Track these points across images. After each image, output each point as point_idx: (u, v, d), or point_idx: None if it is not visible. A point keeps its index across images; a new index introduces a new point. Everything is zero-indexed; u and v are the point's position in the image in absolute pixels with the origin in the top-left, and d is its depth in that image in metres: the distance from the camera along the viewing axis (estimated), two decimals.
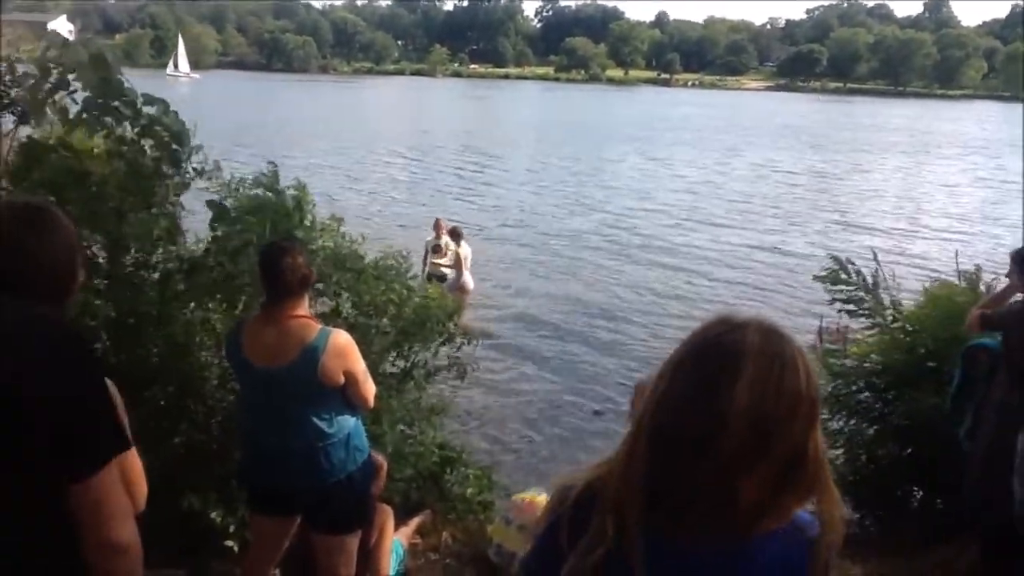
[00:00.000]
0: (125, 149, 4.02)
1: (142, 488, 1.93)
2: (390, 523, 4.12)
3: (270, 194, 4.41)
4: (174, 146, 4.04)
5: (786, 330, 1.32)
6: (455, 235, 11.89)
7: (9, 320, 1.47)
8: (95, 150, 4.15)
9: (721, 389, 1.23)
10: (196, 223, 4.43)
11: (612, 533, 1.29)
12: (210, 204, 4.20)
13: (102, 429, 1.55)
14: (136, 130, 3.99)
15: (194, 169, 4.20)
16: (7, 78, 4.23)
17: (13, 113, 4.30)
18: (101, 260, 4.10)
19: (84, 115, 3.95)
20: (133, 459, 1.83)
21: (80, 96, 4.05)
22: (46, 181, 3.90)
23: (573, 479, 1.41)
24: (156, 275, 4.18)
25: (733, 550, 1.29)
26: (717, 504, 1.25)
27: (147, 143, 4.03)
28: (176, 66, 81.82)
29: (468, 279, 11.81)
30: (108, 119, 3.96)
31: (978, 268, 5.47)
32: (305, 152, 29.55)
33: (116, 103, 3.92)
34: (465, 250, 11.85)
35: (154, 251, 4.19)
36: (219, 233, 4.21)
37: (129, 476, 1.71)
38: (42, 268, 1.72)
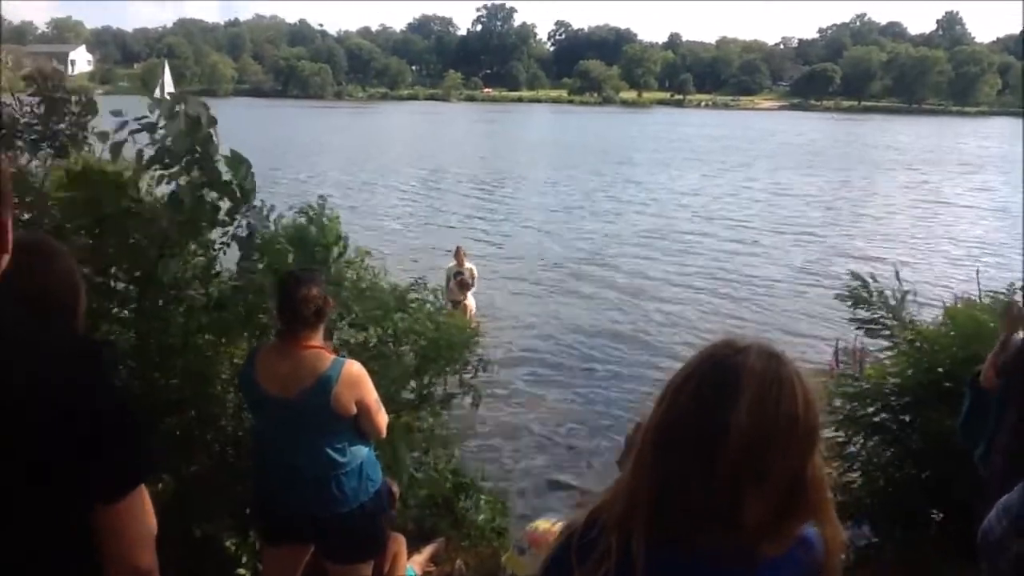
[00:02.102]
0: (188, 197, 4.04)
1: (151, 518, 1.92)
2: (403, 551, 4.11)
3: (313, 227, 4.46)
4: (238, 195, 4.06)
5: (786, 355, 1.36)
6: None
7: (37, 333, 1.46)
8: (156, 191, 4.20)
9: (721, 410, 1.27)
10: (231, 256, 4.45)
11: (617, 551, 1.32)
12: (238, 240, 4.22)
13: (135, 449, 1.53)
14: (204, 180, 4.02)
15: (248, 223, 4.23)
16: (39, 111, 4.28)
17: (51, 147, 4.34)
18: (131, 290, 4.13)
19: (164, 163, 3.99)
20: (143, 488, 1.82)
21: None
22: (89, 203, 3.94)
23: (585, 504, 1.45)
24: (182, 308, 4.20)
25: (736, 574, 1.31)
26: (719, 525, 1.28)
27: (211, 194, 4.06)
28: (163, 93, 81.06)
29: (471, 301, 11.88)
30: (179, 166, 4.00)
31: (1012, 286, 5.34)
32: (315, 178, 29.74)
33: (197, 155, 3.96)
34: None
35: (186, 289, 4.22)
36: (249, 266, 4.24)
37: None
38: (47, 291, 1.77)
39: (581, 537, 1.38)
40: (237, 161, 4.01)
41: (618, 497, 1.37)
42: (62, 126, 4.29)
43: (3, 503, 1.40)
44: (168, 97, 4.03)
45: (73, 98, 4.52)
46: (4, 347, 1.41)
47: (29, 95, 4.53)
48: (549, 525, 4.79)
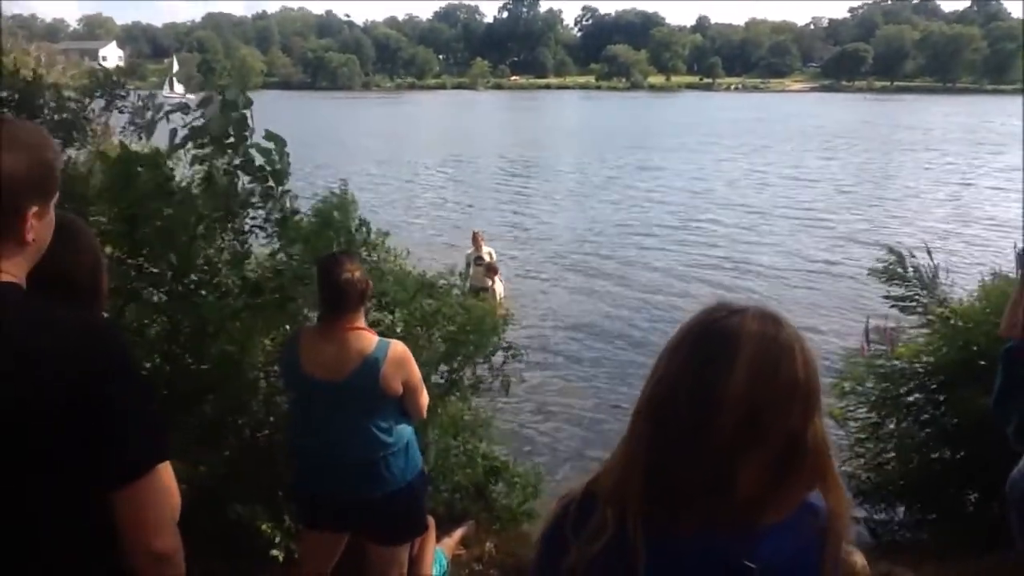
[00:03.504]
0: (222, 180, 4.06)
1: (175, 499, 1.92)
2: (431, 534, 4.11)
3: (337, 212, 4.47)
4: (270, 182, 4.07)
5: (785, 317, 1.31)
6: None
7: (47, 319, 1.46)
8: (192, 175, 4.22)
9: (718, 372, 1.23)
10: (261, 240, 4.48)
11: (613, 523, 1.29)
12: (279, 222, 4.23)
13: (144, 433, 1.53)
14: (237, 162, 4.04)
15: (281, 208, 4.24)
16: (51, 102, 4.34)
17: (57, 136, 4.39)
18: (164, 276, 4.16)
19: (194, 143, 4.01)
20: (166, 468, 1.81)
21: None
22: (135, 195, 3.96)
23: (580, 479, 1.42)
24: (216, 294, 4.20)
25: (735, 543, 1.27)
26: (716, 492, 1.24)
27: (244, 178, 4.07)
28: (171, 87, 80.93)
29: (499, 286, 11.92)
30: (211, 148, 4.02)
31: None
32: (338, 168, 29.83)
33: (231, 138, 3.97)
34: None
35: (218, 274, 4.23)
36: (287, 251, 4.26)
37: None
38: (68, 273, 1.77)
39: (578, 509, 1.35)
40: (272, 140, 4.01)
41: (614, 468, 1.33)
42: (66, 115, 4.34)
43: (16, 491, 1.42)
44: (176, 94, 4.10)
45: (141, 95, 4.58)
46: (20, 335, 1.42)
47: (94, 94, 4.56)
48: None
